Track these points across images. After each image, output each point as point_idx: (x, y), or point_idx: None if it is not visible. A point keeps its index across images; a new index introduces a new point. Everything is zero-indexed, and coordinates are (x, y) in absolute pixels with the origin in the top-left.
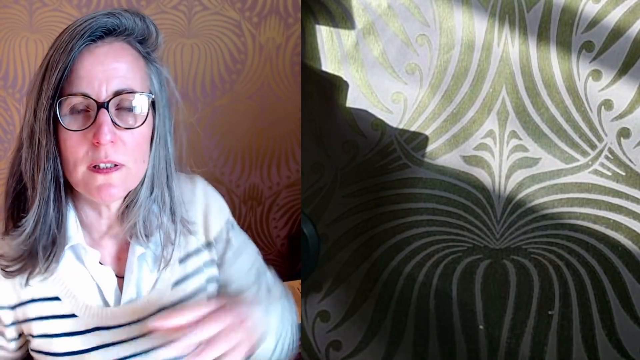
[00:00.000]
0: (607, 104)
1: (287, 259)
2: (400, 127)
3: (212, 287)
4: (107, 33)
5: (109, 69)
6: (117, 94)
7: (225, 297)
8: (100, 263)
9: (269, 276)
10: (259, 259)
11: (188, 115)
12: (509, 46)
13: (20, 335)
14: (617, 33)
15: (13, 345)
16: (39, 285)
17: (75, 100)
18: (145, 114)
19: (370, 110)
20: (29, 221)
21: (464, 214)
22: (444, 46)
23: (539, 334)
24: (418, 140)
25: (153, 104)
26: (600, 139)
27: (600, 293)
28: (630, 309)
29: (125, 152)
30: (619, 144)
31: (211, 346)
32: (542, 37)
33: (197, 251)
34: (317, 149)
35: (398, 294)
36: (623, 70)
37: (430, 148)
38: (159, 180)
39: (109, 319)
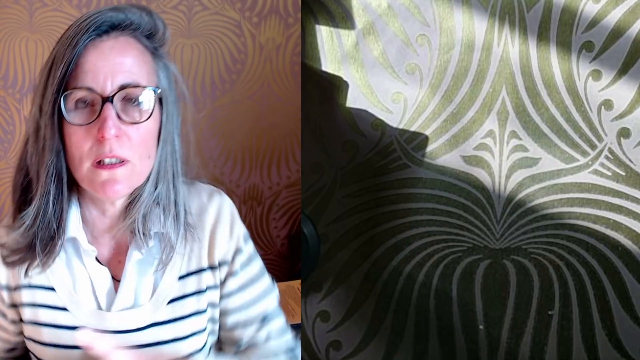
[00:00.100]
0: (607, 104)
1: (287, 259)
2: (400, 127)
3: (214, 313)
4: (113, 27)
5: (114, 63)
6: (123, 88)
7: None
8: (100, 262)
9: (278, 325)
10: (272, 302)
11: (195, 113)
12: (509, 46)
13: (21, 319)
14: (617, 33)
15: (13, 328)
16: (37, 273)
17: (80, 95)
18: (151, 109)
19: (370, 110)
20: (29, 214)
21: (464, 214)
22: (444, 46)
23: (539, 334)
24: (418, 140)
25: (160, 101)
26: (600, 139)
27: (600, 293)
28: (630, 309)
29: (131, 147)
30: (619, 144)
31: None
32: (542, 37)
33: (199, 271)
34: (317, 149)
35: (398, 294)
36: (623, 70)
37: (430, 148)
38: (165, 177)
39: (99, 322)
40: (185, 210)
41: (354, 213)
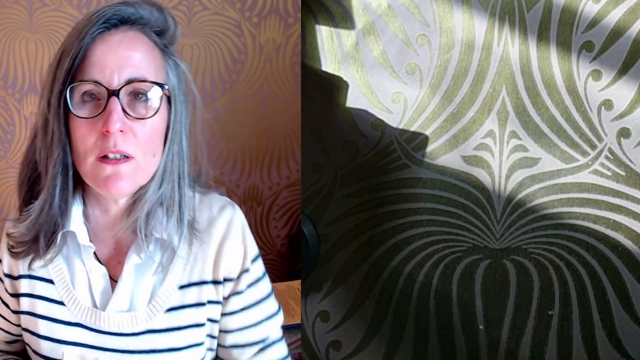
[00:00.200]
0: (607, 104)
1: (287, 259)
2: (400, 127)
3: (214, 329)
4: (123, 21)
5: (121, 57)
6: (129, 82)
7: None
8: (99, 261)
9: (278, 354)
10: (275, 327)
11: (205, 114)
12: (509, 46)
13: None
14: (617, 33)
15: (14, 318)
16: (40, 266)
17: (87, 88)
18: (158, 105)
19: (370, 110)
20: (35, 208)
21: (464, 214)
22: (444, 46)
23: (539, 334)
24: (418, 140)
25: (169, 99)
26: (600, 139)
27: (600, 293)
28: (630, 309)
29: (135, 143)
30: (619, 144)
31: None
32: (542, 37)
33: (201, 283)
34: (317, 149)
35: (398, 294)
36: (623, 70)
37: (430, 148)
38: (170, 177)
39: (95, 321)
40: (191, 215)
41: (354, 213)
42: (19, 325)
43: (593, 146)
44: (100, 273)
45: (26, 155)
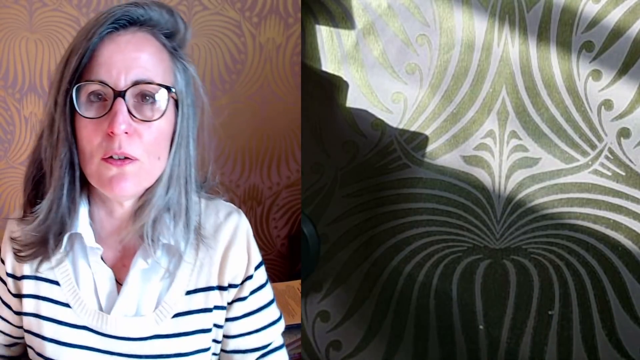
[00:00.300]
0: (607, 104)
1: (287, 259)
2: (400, 127)
3: (218, 334)
4: (132, 22)
5: (129, 58)
6: (136, 83)
7: None
8: (105, 263)
9: (279, 359)
10: (277, 334)
11: (214, 119)
12: (509, 46)
13: (21, 311)
14: (617, 33)
15: (17, 319)
16: (48, 268)
17: (93, 88)
18: (164, 108)
19: (370, 110)
20: (43, 208)
21: (464, 214)
22: (444, 46)
23: (539, 334)
24: (418, 140)
25: (176, 103)
26: (600, 139)
27: (600, 293)
28: (630, 309)
29: (141, 146)
30: (619, 144)
31: None
32: (542, 37)
33: (208, 289)
34: (317, 149)
35: (398, 294)
36: (623, 70)
37: (430, 148)
38: (177, 182)
39: (101, 324)
40: (198, 221)
41: (354, 213)
42: (20, 327)
43: (593, 146)
44: (106, 276)
45: (33, 153)
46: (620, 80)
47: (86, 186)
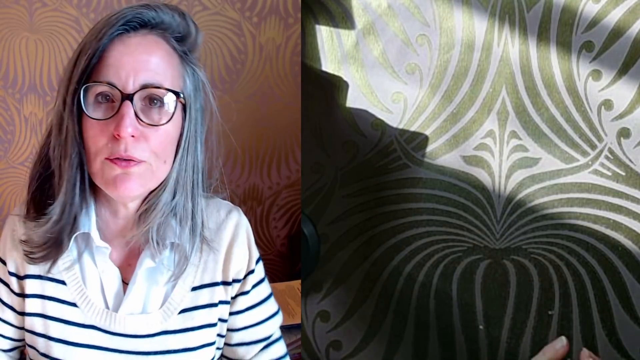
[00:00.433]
0: (607, 104)
1: (287, 259)
2: (400, 127)
3: (223, 328)
4: (143, 25)
5: (138, 61)
6: (144, 87)
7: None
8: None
9: (279, 352)
10: (276, 326)
11: (223, 125)
12: (509, 46)
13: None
14: (617, 33)
15: (19, 320)
16: (66, 268)
17: (101, 89)
18: (172, 112)
19: (370, 110)
20: (56, 209)
21: (464, 214)
22: (444, 46)
23: (539, 334)
24: (418, 140)
25: (184, 107)
26: (600, 139)
27: (600, 293)
28: (630, 309)
29: (147, 149)
30: (619, 144)
31: None
32: (542, 37)
33: (213, 284)
34: (317, 149)
35: (398, 294)
36: (623, 70)
37: (430, 148)
38: (184, 187)
39: (109, 323)
40: (202, 223)
41: (354, 213)
42: (22, 328)
43: (593, 146)
44: (114, 275)
45: (40, 151)
46: (620, 80)
47: (91, 186)
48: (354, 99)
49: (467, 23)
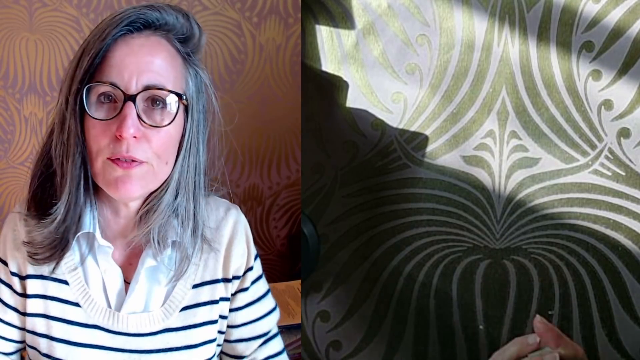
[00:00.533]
0: (607, 104)
1: (287, 259)
2: (400, 127)
3: (223, 325)
4: (146, 26)
5: (141, 62)
6: (147, 88)
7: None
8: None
9: (276, 348)
10: (274, 322)
11: (225, 126)
12: (509, 46)
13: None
14: (617, 33)
15: (22, 321)
16: (71, 269)
17: (103, 89)
18: (174, 114)
19: (370, 110)
20: (60, 209)
21: (464, 214)
22: (444, 46)
23: None
24: (418, 140)
25: (187, 108)
26: (600, 139)
27: (600, 293)
28: (630, 309)
29: (148, 150)
30: (619, 144)
31: None
32: (542, 37)
33: (214, 282)
34: (317, 149)
35: (398, 294)
36: (623, 70)
37: (430, 148)
38: (185, 188)
39: (112, 322)
40: (203, 222)
41: (354, 213)
42: (23, 329)
43: (593, 146)
44: (116, 274)
45: (42, 149)
46: (620, 80)
47: (92, 185)
48: (354, 99)
49: (467, 23)
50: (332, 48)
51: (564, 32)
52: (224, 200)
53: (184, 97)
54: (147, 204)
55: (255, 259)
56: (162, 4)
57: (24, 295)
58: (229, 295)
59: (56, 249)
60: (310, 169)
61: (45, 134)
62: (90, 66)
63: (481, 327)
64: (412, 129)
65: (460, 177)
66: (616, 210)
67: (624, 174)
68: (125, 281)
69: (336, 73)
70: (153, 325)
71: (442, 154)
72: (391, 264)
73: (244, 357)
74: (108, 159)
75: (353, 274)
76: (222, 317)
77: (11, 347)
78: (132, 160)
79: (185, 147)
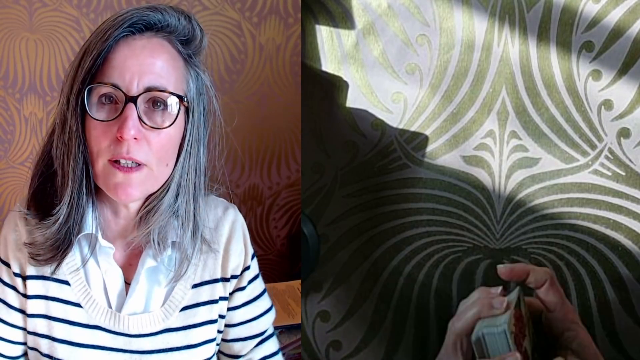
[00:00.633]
0: (607, 104)
1: (287, 259)
2: (400, 127)
3: (221, 324)
4: (148, 27)
5: (143, 63)
6: (148, 90)
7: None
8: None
9: (272, 348)
10: (270, 320)
11: (226, 127)
12: (509, 46)
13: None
14: (617, 33)
15: (27, 323)
16: (73, 269)
17: (105, 90)
18: (175, 115)
19: (370, 110)
20: (62, 209)
21: (464, 214)
22: (444, 46)
23: None
24: (418, 140)
25: (187, 110)
26: (600, 139)
27: (600, 293)
28: (630, 309)
29: (149, 152)
30: (619, 144)
31: None
32: (542, 37)
33: (213, 281)
34: (317, 149)
35: (398, 294)
36: (623, 70)
37: (430, 148)
38: (186, 189)
39: (113, 323)
40: (202, 223)
41: (354, 213)
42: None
43: (593, 146)
44: (116, 275)
45: (42, 149)
46: (620, 80)
47: (93, 186)
48: (354, 99)
49: (467, 23)
50: (332, 48)
51: (564, 32)
52: (221, 199)
53: (185, 99)
54: (147, 205)
55: (253, 258)
56: (164, 6)
57: (26, 296)
58: (227, 295)
59: (58, 249)
60: (310, 169)
61: (46, 134)
62: (91, 67)
63: None
64: (412, 129)
65: (460, 177)
66: (616, 210)
67: (624, 174)
68: (125, 282)
69: (336, 73)
70: (153, 325)
71: (442, 154)
72: (391, 264)
73: (240, 356)
74: (109, 161)
75: (353, 274)
76: (221, 316)
77: (19, 350)
78: (132, 166)
79: (185, 149)
